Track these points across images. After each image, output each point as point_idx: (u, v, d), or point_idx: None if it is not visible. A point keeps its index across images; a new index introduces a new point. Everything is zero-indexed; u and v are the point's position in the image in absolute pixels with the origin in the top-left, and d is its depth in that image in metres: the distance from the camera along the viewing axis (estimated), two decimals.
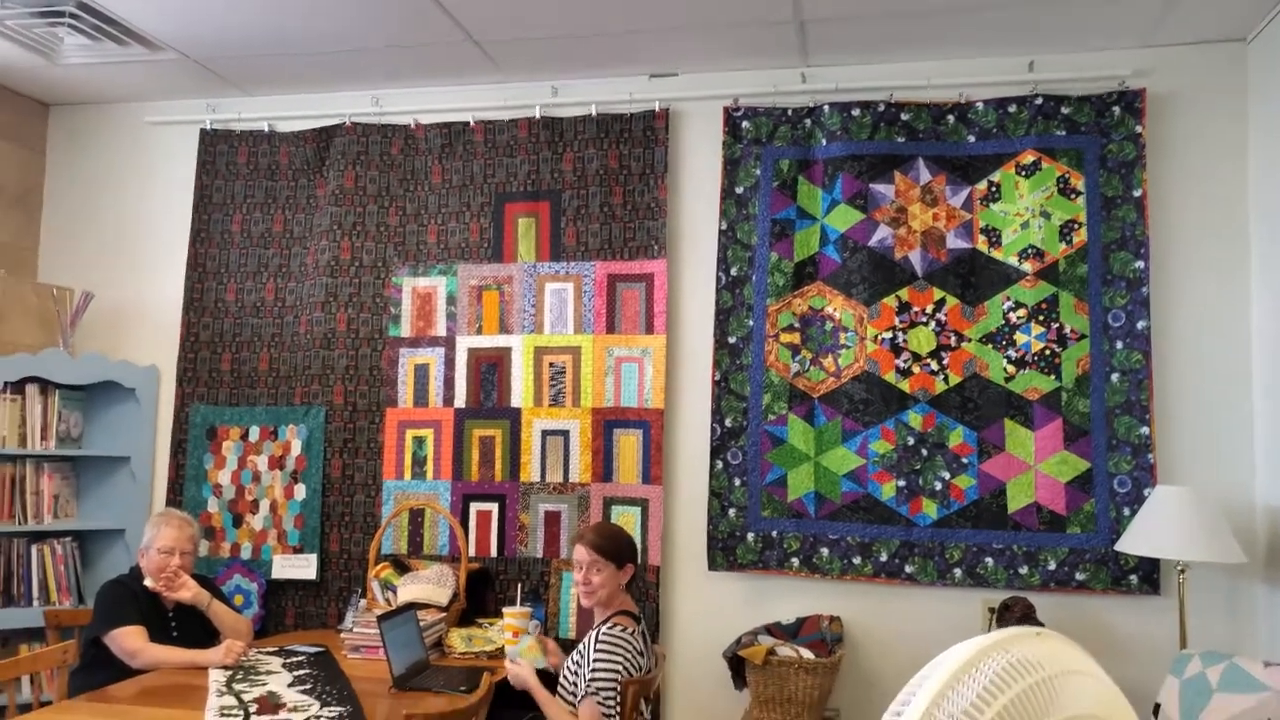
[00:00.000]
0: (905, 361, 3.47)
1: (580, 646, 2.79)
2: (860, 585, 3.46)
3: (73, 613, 3.37)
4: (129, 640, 2.95)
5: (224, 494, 3.98)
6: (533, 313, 3.79)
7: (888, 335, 3.49)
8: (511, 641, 3.09)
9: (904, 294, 3.49)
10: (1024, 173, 3.45)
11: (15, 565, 3.75)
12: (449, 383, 3.84)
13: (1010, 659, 1.17)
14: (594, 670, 2.65)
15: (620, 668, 2.64)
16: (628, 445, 3.66)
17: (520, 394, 3.76)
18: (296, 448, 3.93)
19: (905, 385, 3.46)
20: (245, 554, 3.92)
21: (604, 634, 2.70)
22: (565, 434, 3.71)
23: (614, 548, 2.84)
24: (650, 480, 3.62)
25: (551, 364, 3.75)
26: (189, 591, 3.09)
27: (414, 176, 3.94)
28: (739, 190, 3.66)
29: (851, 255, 3.53)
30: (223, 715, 2.49)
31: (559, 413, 3.72)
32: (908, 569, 3.39)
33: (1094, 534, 3.28)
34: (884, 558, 3.41)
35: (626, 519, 3.62)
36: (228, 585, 3.85)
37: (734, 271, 3.63)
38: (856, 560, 3.43)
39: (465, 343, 3.84)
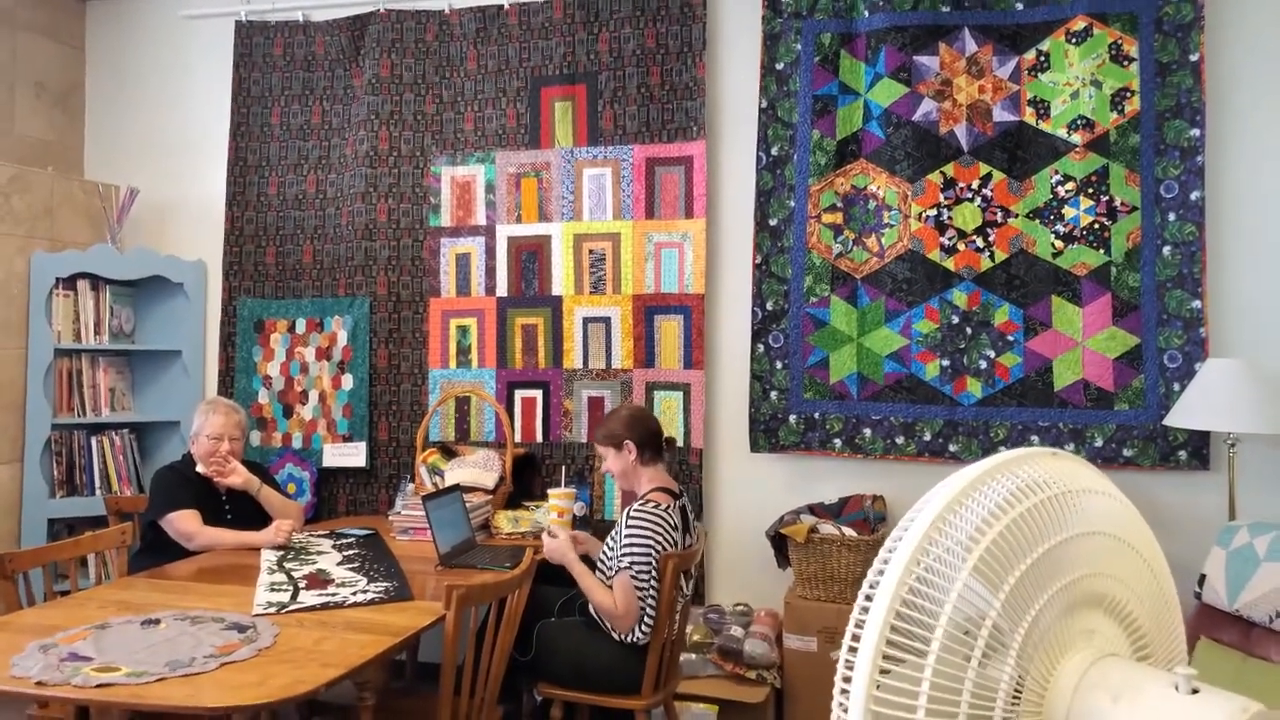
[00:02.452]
0: (950, 239, 3.15)
1: (616, 525, 2.57)
2: (903, 465, 3.21)
3: (132, 499, 3.21)
4: (184, 523, 2.78)
5: (274, 385, 3.78)
6: (571, 199, 3.48)
7: (932, 213, 3.16)
8: (557, 522, 2.89)
9: (949, 170, 3.15)
10: (1074, 40, 3.06)
11: (77, 456, 3.59)
12: (490, 272, 3.57)
13: (1019, 481, 1.04)
14: (626, 546, 2.43)
15: (653, 542, 2.43)
16: (669, 331, 3.39)
17: (561, 282, 3.49)
18: (343, 338, 3.70)
19: (950, 263, 3.14)
20: (296, 443, 3.74)
21: (634, 511, 2.48)
22: (606, 321, 3.44)
23: (604, 433, 2.66)
24: (692, 365, 3.36)
25: (591, 251, 3.46)
26: (239, 477, 2.91)
27: (449, 63, 3.61)
28: (779, 66, 3.29)
29: (895, 131, 3.18)
30: (272, 590, 2.32)
31: (600, 300, 3.45)
32: (951, 448, 3.13)
33: (1143, 410, 2.99)
34: (928, 437, 3.15)
35: (669, 404, 3.37)
36: (281, 474, 3.68)
37: (775, 151, 3.29)
38: (900, 440, 3.17)
39: (505, 231, 3.55)
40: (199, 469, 2.92)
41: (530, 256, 3.53)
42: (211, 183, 3.86)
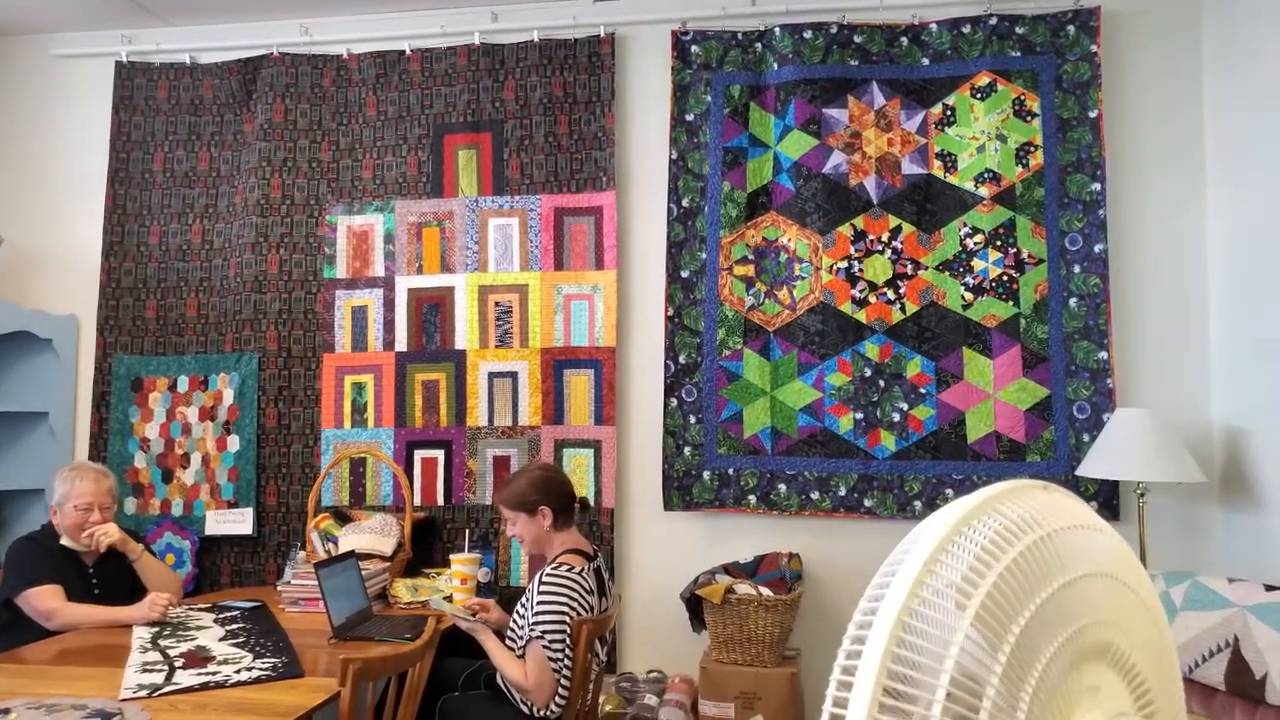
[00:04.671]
0: (861, 291, 3.29)
1: (526, 591, 2.57)
2: (819, 521, 3.29)
3: None
4: (44, 600, 2.66)
5: (152, 448, 3.66)
6: (476, 250, 3.52)
7: (843, 265, 3.30)
8: (460, 589, 2.87)
9: (859, 222, 3.30)
10: (979, 95, 3.28)
11: None
12: (389, 325, 3.56)
13: (1005, 521, 0.99)
14: (538, 613, 2.43)
15: (566, 608, 2.43)
16: (579, 386, 3.43)
17: (465, 335, 3.51)
18: (229, 397, 3.63)
19: (862, 315, 3.28)
20: (176, 510, 3.62)
21: (547, 576, 2.48)
22: (514, 375, 3.47)
23: (514, 497, 2.61)
24: (603, 421, 3.40)
25: (497, 303, 3.50)
26: (115, 535, 2.80)
27: (347, 109, 3.64)
28: (689, 118, 3.42)
29: (805, 183, 3.33)
30: (144, 670, 2.23)
31: (506, 354, 3.48)
32: (867, 503, 3.23)
33: (1054, 461, 3.15)
34: (842, 492, 3.24)
35: (579, 461, 3.40)
36: (159, 543, 3.55)
37: (686, 203, 3.41)
38: (815, 495, 3.26)
39: (405, 283, 3.56)
40: (64, 542, 2.81)
41: (432, 309, 3.54)
42: (86, 231, 3.77)
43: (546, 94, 3.49)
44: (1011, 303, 3.21)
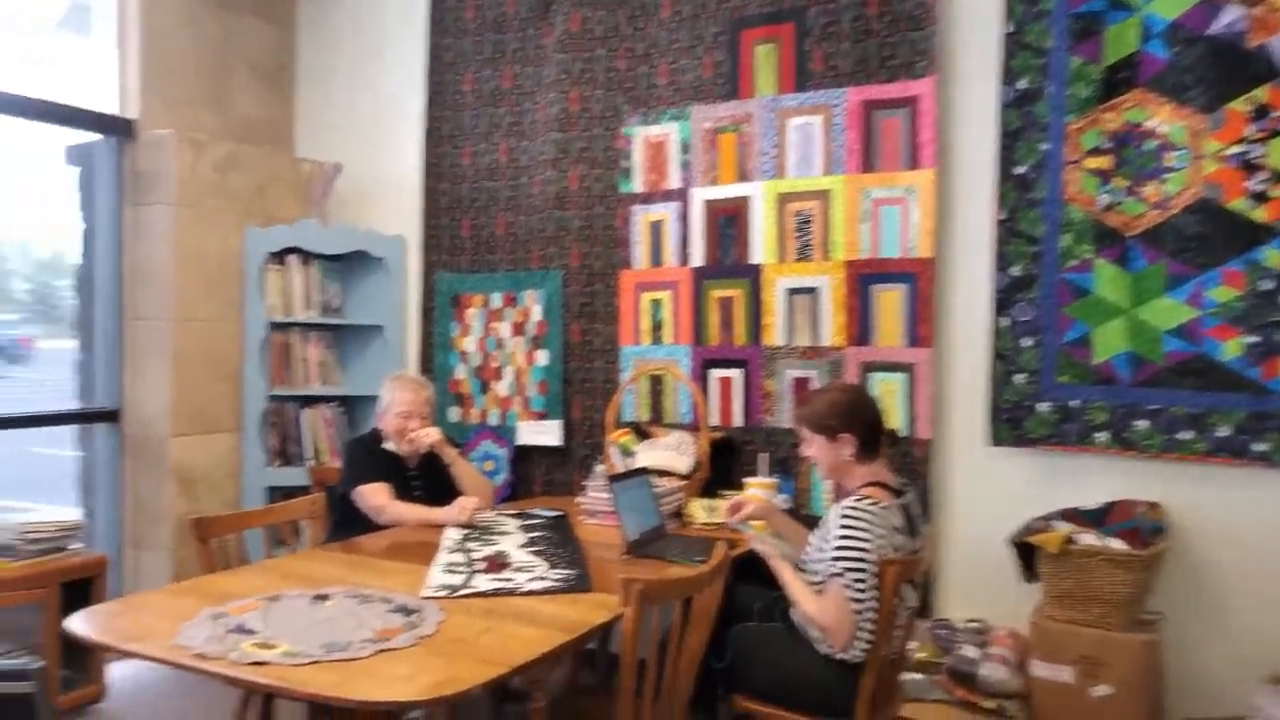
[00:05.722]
0: (1260, 183, 2.60)
1: (822, 522, 2.33)
2: (1190, 466, 2.70)
3: (331, 470, 3.38)
4: (374, 496, 2.87)
5: (470, 361, 3.86)
6: (774, 155, 3.25)
7: (1235, 151, 2.62)
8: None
9: (1260, 94, 2.59)
10: None
11: (290, 428, 3.85)
12: (685, 240, 3.42)
13: None
14: (839, 548, 2.18)
15: (867, 545, 2.15)
16: (889, 302, 3.08)
17: (761, 249, 3.27)
18: (537, 313, 3.71)
19: (1260, 214, 2.60)
20: (493, 420, 3.80)
21: (848, 508, 2.21)
22: (814, 292, 3.19)
23: (814, 417, 2.36)
24: (917, 342, 3.03)
25: (797, 213, 3.21)
26: (435, 436, 2.95)
27: (643, 11, 3.48)
28: None
29: (1184, 50, 2.67)
30: (448, 571, 2.31)
31: (806, 268, 3.20)
32: (1258, 446, 2.59)
33: None
34: (1224, 432, 2.63)
35: (888, 387, 3.07)
36: (477, 451, 3.76)
37: (1022, 85, 2.88)
38: (1185, 435, 2.68)
39: (701, 195, 3.39)
40: (387, 445, 3.00)
41: (727, 222, 3.33)
42: (409, 155, 4.00)
43: None
44: None
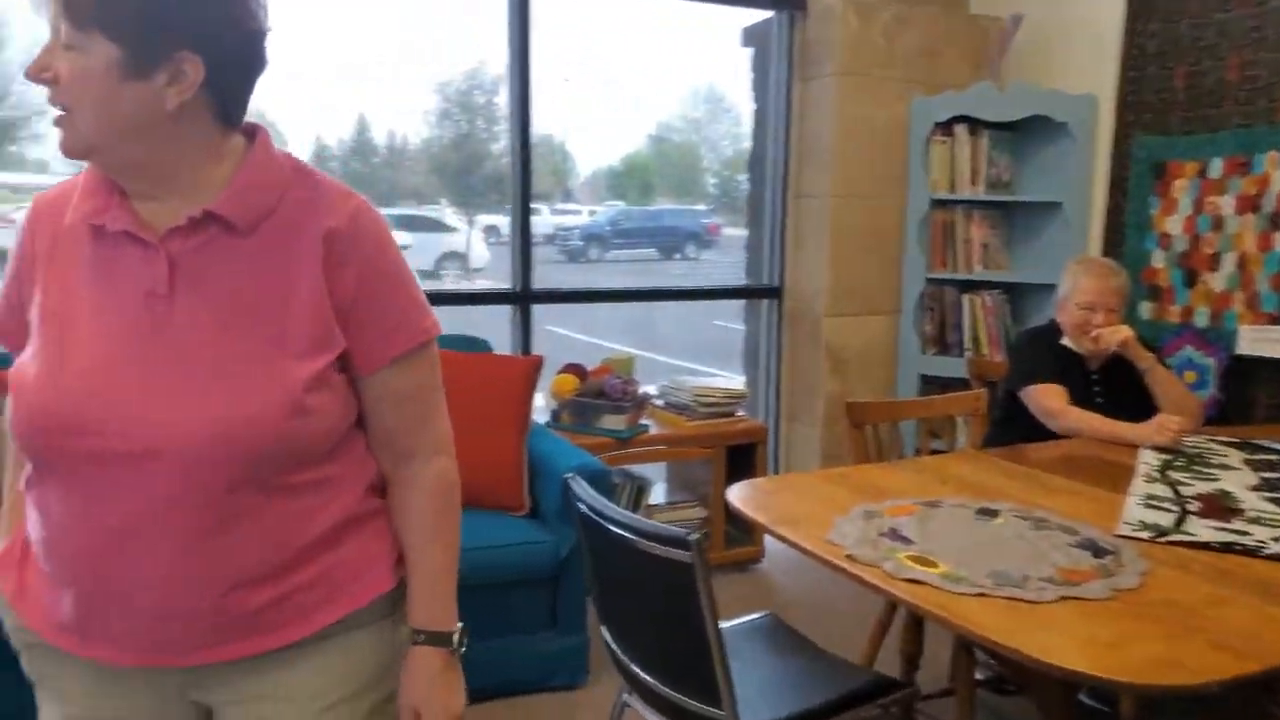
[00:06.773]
0: None
1: None
2: None
3: (993, 364, 3.02)
4: (1046, 398, 2.44)
5: (1173, 245, 3.10)
6: None
7: None
8: None
9: None
10: None
11: (948, 314, 3.57)
12: None
13: None
14: None
15: None
16: None
17: None
18: (1277, 182, 2.78)
19: None
20: (1200, 321, 3.02)
21: None
22: None
23: None
24: None
25: None
26: (1123, 333, 2.40)
27: None
28: None
29: None
30: (1149, 506, 1.80)
31: None
32: None
33: None
34: None
35: None
36: (1176, 358, 3.04)
37: None
38: None
39: None
40: (1064, 341, 2.52)
41: None
42: None
43: None
44: None
